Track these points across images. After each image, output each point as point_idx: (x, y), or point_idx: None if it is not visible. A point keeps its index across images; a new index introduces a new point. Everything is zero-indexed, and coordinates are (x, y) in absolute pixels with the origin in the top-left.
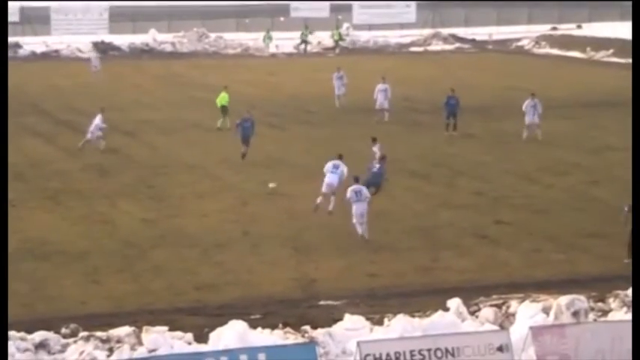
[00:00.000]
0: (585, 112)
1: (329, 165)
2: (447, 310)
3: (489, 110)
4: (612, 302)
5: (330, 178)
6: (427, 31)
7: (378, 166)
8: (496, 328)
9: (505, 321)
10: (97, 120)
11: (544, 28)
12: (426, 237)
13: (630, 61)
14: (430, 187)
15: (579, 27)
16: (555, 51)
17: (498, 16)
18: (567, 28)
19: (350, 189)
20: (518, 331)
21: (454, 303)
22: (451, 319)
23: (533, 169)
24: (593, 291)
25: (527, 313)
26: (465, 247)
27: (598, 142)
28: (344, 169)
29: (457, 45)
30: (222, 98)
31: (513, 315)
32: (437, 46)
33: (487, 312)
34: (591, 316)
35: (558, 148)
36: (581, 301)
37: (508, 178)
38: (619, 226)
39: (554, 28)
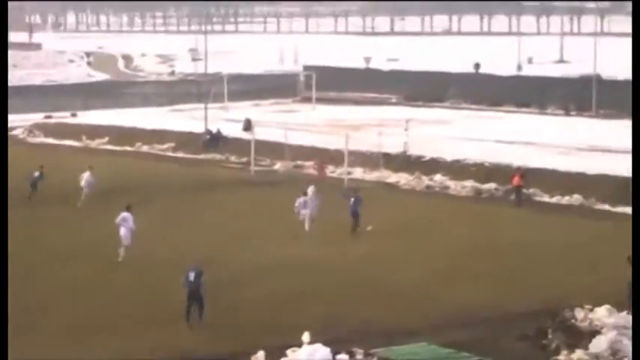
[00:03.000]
0: None
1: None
2: None
3: None
4: None
5: None
6: None
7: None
8: None
9: None
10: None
11: (38, 117)
12: None
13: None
14: None
15: (74, 115)
16: (50, 140)
17: None
18: (62, 116)
19: None
20: None
21: None
22: None
23: None
24: None
25: None
26: None
27: None
28: None
29: None
30: None
31: None
32: None
33: None
34: None
35: None
36: None
37: None
38: None
39: (49, 117)
